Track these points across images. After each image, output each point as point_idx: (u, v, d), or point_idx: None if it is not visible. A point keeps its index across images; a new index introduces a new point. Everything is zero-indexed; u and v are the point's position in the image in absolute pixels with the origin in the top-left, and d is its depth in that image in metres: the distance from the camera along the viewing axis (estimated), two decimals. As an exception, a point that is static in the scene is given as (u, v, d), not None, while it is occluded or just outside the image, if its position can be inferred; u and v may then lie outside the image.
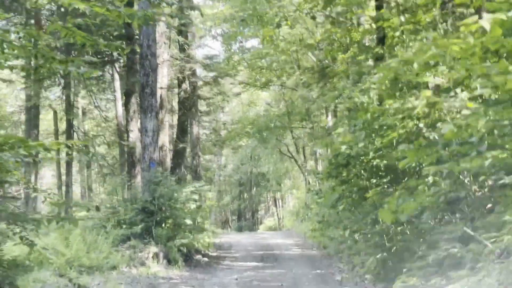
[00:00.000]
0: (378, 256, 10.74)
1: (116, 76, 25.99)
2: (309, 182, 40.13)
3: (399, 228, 10.35)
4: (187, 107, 26.51)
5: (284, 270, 18.24)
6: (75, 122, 26.99)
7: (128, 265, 17.11)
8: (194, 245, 20.83)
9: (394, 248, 10.52)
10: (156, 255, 18.12)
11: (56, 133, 26.91)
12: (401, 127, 10.22)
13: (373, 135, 10.80)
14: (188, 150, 27.27)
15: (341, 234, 15.01)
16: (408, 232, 10.44)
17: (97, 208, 16.82)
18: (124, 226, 18.75)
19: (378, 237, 10.77)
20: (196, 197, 20.40)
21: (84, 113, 34.34)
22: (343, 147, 10.94)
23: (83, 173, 36.71)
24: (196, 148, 28.59)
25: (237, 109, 43.71)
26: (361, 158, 10.74)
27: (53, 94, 28.61)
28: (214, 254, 25.10)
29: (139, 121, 21.64)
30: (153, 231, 18.65)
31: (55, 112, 28.42)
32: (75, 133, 26.32)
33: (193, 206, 20.20)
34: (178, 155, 25.79)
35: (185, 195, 20.16)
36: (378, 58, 17.82)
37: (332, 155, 11.30)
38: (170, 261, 18.41)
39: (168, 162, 24.27)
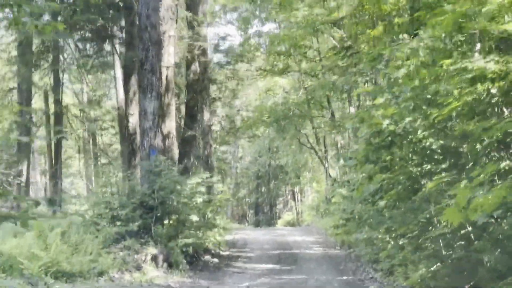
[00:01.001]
0: (433, 268, 7.84)
1: (117, 56, 23.13)
2: (329, 175, 37.12)
3: (468, 232, 7.40)
4: (197, 91, 23.68)
5: (305, 276, 15.33)
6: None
7: (120, 269, 14.31)
8: (202, 244, 17.99)
9: (455, 258, 7.61)
10: (154, 258, 15.31)
11: (47, 116, 24.12)
12: (467, 94, 7.26)
13: (425, 106, 7.89)
14: (198, 138, 24.43)
15: (381, 237, 12.06)
16: (475, 237, 7.50)
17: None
18: (118, 223, 15.96)
19: (434, 243, 7.87)
20: (203, 189, 17.55)
21: (89, 101, 31.45)
22: (385, 122, 8.04)
23: (88, 164, 34.02)
24: (208, 137, 25.74)
25: (253, 97, 40.79)
26: (409, 137, 7.85)
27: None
28: (226, 253, 22.26)
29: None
30: (152, 229, 15.85)
31: (45, 92, 25.64)
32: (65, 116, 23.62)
33: (199, 200, 17.33)
34: (186, 143, 22.96)
35: (191, 188, 17.29)
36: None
37: (369, 134, 8.42)
38: (171, 265, 15.58)
39: (175, 151, 21.42)
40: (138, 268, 14.67)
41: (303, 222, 51.23)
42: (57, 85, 22.64)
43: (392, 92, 8.33)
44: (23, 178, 21.49)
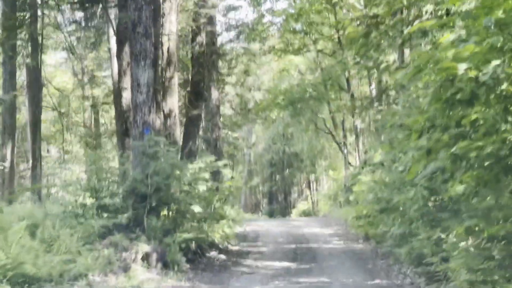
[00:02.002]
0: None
1: (111, 24, 20.24)
2: (349, 162, 34.21)
3: None
4: (203, 65, 20.94)
5: (327, 279, 12.57)
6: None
7: (104, 271, 11.63)
8: (206, 238, 15.25)
9: None
10: (146, 256, 12.62)
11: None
12: None
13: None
14: (204, 119, 21.74)
15: (431, 235, 9.20)
16: None
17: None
18: (106, 215, 13.25)
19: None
20: (207, 175, 14.77)
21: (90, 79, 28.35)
22: (462, 67, 5.25)
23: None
24: (216, 118, 22.99)
25: (266, 77, 37.89)
26: (500, 87, 5.09)
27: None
28: (235, 248, 19.54)
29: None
30: (145, 221, 13.13)
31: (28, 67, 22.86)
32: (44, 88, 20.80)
33: (203, 187, 14.58)
34: (190, 124, 20.23)
35: (193, 173, 14.56)
36: None
37: (438, 85, 5.63)
38: (167, 264, 12.86)
39: (178, 133, 18.78)
40: (126, 269, 11.98)
41: (319, 212, 48.47)
42: (35, 50, 19.77)
43: (466, 26, 5.57)
44: (7, 164, 18.86)
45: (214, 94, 22.88)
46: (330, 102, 34.84)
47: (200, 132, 24.87)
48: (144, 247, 12.63)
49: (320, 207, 47.42)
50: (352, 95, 32.96)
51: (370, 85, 30.59)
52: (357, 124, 32.82)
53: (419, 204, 9.01)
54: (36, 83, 19.48)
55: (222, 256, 16.78)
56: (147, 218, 13.13)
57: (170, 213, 14.59)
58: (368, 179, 22.35)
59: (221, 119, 24.72)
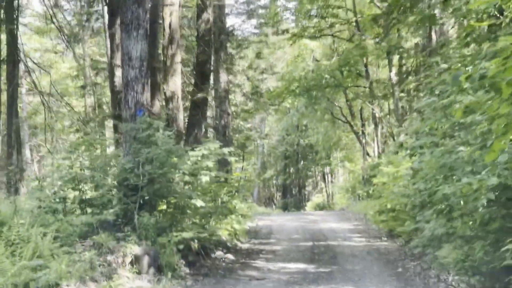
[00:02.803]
0: None
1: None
2: (367, 153, 31.85)
3: None
4: (209, 43, 18.69)
5: (353, 287, 10.27)
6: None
7: (82, 279, 9.43)
8: (211, 237, 12.97)
9: None
10: (136, 259, 10.41)
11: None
12: None
13: None
14: (210, 103, 19.51)
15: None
16: None
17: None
18: (90, 210, 11.06)
19: None
20: (210, 164, 12.50)
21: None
22: None
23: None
24: (225, 104, 20.72)
25: (280, 66, 35.48)
26: None
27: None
28: (246, 246, 17.34)
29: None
30: (136, 218, 10.91)
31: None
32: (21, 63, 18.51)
33: (205, 178, 12.34)
34: (195, 109, 18.00)
35: (194, 162, 12.32)
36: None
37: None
38: (161, 268, 10.66)
39: (181, 118, 16.56)
40: (110, 275, 9.78)
41: (334, 205, 46.18)
42: (9, 16, 17.46)
43: None
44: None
45: (223, 77, 20.63)
46: (347, 90, 32.48)
47: (209, 121, 22.68)
48: (133, 249, 10.43)
49: (336, 200, 45.12)
50: (370, 82, 30.59)
51: (390, 70, 28.15)
52: (376, 112, 30.45)
53: (488, 198, 6.73)
54: (11, 58, 17.25)
55: (230, 257, 14.56)
56: (138, 214, 10.90)
57: (167, 208, 12.38)
58: (391, 170, 20.09)
59: (231, 106, 22.39)
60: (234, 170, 19.13)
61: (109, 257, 10.19)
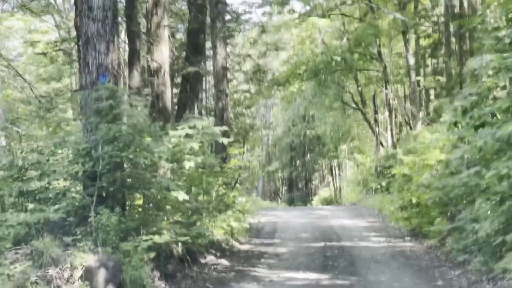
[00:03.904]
0: None
1: None
2: (381, 143, 28.87)
3: None
4: (203, 10, 15.79)
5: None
6: None
7: (5, 303, 6.52)
8: (197, 239, 10.03)
9: None
10: (88, 273, 7.50)
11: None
12: None
13: None
14: (204, 80, 16.61)
15: None
16: None
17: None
18: (32, 206, 8.18)
19: None
20: (195, 146, 9.54)
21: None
22: None
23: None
24: (223, 82, 17.74)
25: (284, 54, 32.38)
26: None
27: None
28: (245, 247, 14.49)
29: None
30: (92, 217, 7.99)
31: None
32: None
33: (189, 164, 9.42)
34: (187, 86, 15.05)
35: (175, 144, 9.40)
36: None
37: None
38: (124, 285, 7.71)
39: (168, 95, 13.65)
40: (50, 296, 6.89)
41: (342, 199, 43.24)
42: None
43: None
44: None
45: (221, 52, 17.68)
46: (359, 75, 29.46)
47: (204, 103, 19.76)
48: (86, 258, 7.55)
49: (346, 194, 42.19)
50: (384, 65, 27.59)
51: (406, 51, 25.12)
52: (390, 97, 27.47)
53: None
54: None
55: (224, 262, 11.70)
56: (96, 211, 8.00)
57: (144, 203, 9.50)
58: (414, 159, 17.14)
59: (228, 82, 19.34)
60: (232, 157, 16.18)
61: (51, 271, 7.33)
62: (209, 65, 20.15)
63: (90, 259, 7.57)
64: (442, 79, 24.60)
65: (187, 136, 9.61)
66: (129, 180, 8.76)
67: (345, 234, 16.48)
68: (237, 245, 14.60)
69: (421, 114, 25.52)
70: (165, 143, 9.18)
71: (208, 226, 13.36)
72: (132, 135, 8.19)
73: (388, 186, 21.34)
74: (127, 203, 9.10)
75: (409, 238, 15.36)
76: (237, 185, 18.07)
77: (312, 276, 10.37)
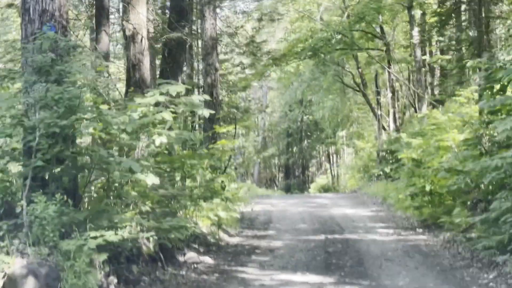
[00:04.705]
0: None
1: None
2: (383, 126, 26.82)
3: None
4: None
5: None
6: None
7: None
8: (177, 232, 7.96)
9: None
10: (12, 283, 5.40)
11: None
12: None
13: None
14: (189, 49, 14.44)
15: None
16: None
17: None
18: None
19: None
20: (167, 116, 7.45)
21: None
22: None
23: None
24: (212, 56, 15.62)
25: (282, 26, 30.19)
26: None
27: None
28: (235, 240, 12.50)
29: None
30: (23, 206, 5.89)
31: None
32: None
33: (160, 140, 7.34)
34: (169, 56, 12.92)
35: (142, 115, 7.32)
36: None
37: None
38: (62, 298, 5.65)
39: (146, 66, 11.52)
40: None
41: (340, 187, 41.27)
42: None
43: None
44: None
45: (209, 22, 15.54)
46: (359, 54, 27.32)
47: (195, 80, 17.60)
48: (10, 263, 5.46)
49: (344, 181, 40.20)
50: (386, 43, 25.49)
51: (412, 28, 23.02)
52: (393, 77, 25.35)
53: None
54: None
55: (207, 260, 9.68)
56: (29, 198, 5.93)
57: (102, 188, 7.43)
58: (423, 142, 15.13)
59: (218, 56, 17.14)
60: (223, 138, 14.11)
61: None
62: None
63: (16, 264, 5.52)
64: (451, 56, 22.58)
65: (157, 104, 7.52)
66: (82, 159, 6.69)
67: (348, 225, 14.46)
68: (225, 237, 12.57)
69: (427, 95, 23.48)
70: (126, 113, 7.10)
71: (192, 216, 11.39)
72: (77, 98, 6.10)
73: (392, 172, 19.32)
74: (84, 189, 7.04)
75: (421, 230, 13.34)
76: (229, 169, 16.04)
77: (313, 279, 8.36)
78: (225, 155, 13.23)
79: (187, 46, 13.94)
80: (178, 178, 11.29)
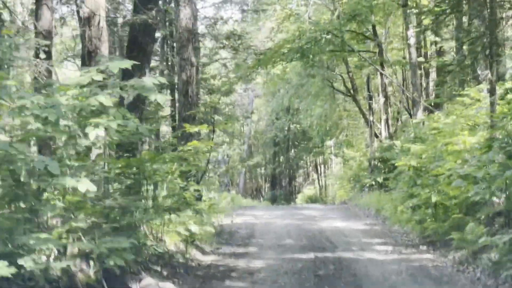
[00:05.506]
0: None
1: None
2: (375, 133, 24.98)
3: None
4: None
5: None
6: None
7: None
8: (118, 257, 5.93)
9: None
10: None
11: None
12: None
13: None
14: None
15: None
16: None
17: None
18: None
19: None
20: (106, 101, 5.50)
21: None
22: None
23: None
24: (187, 50, 13.63)
25: (268, 26, 28.33)
26: None
27: None
28: (208, 259, 10.56)
29: None
30: None
31: None
32: None
33: (95, 132, 5.35)
34: (135, 42, 10.95)
35: (72, 97, 5.33)
36: None
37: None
38: None
39: (105, 52, 9.59)
40: None
41: (328, 197, 39.47)
42: None
43: None
44: None
45: (185, 11, 13.62)
46: (350, 57, 25.48)
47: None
48: None
49: (332, 192, 38.39)
50: (378, 44, 23.70)
51: (407, 28, 21.27)
52: (386, 79, 23.53)
53: None
54: None
55: (168, 287, 7.68)
56: None
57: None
58: (425, 147, 13.28)
59: (197, 50, 15.18)
60: (199, 139, 12.10)
61: None
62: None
63: None
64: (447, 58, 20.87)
65: (92, 83, 5.57)
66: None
67: (341, 241, 12.54)
68: (198, 256, 10.60)
69: (422, 100, 21.70)
70: (55, 95, 5.12)
71: (157, 232, 9.46)
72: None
73: (390, 181, 17.45)
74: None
75: (424, 247, 11.47)
76: (208, 177, 14.11)
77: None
78: (200, 160, 11.23)
79: (158, 35, 12.02)
80: (150, 187, 9.38)
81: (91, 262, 6.31)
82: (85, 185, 5.37)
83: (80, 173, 5.43)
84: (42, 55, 6.74)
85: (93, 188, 5.45)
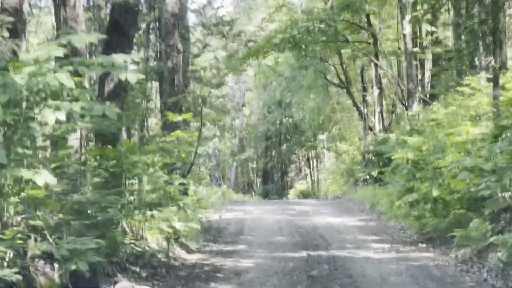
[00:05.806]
0: None
1: None
2: (369, 127, 24.30)
3: None
4: None
5: None
6: None
7: None
8: (81, 261, 5.18)
9: None
10: None
11: None
12: None
13: None
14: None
15: None
16: None
17: None
18: None
19: None
20: (67, 80, 4.75)
21: None
22: None
23: None
24: (173, 36, 12.82)
25: (260, 17, 27.60)
26: None
27: None
28: (193, 258, 9.86)
29: None
30: None
31: None
32: None
33: (53, 115, 4.59)
34: (115, 27, 10.17)
35: (28, 75, 4.56)
36: None
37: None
38: None
39: (81, 37, 8.91)
40: None
41: (320, 192, 38.76)
42: None
43: None
44: None
45: (172, -1, 12.85)
46: (343, 48, 24.74)
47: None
48: None
49: (324, 187, 37.71)
50: (374, 37, 22.99)
51: (402, 17, 20.55)
52: (382, 70, 22.84)
53: None
54: None
55: (147, 292, 6.97)
56: None
57: None
58: (424, 139, 12.59)
59: (184, 38, 14.41)
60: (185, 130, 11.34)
61: None
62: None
63: None
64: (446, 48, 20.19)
65: (48, 60, 4.81)
66: None
67: (335, 238, 11.85)
68: (182, 254, 9.88)
69: (418, 91, 21.04)
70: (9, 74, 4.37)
71: (138, 228, 8.74)
72: None
73: (386, 175, 16.77)
74: None
75: (424, 245, 10.81)
76: (196, 170, 13.36)
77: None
78: (185, 152, 10.48)
79: (141, 19, 11.26)
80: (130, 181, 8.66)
81: (56, 264, 5.57)
82: (43, 178, 4.64)
83: (39, 164, 4.70)
84: (5, 33, 5.99)
85: (53, 181, 4.71)
